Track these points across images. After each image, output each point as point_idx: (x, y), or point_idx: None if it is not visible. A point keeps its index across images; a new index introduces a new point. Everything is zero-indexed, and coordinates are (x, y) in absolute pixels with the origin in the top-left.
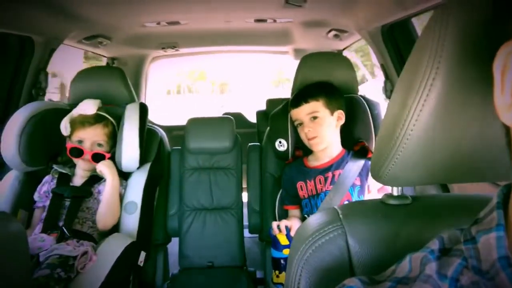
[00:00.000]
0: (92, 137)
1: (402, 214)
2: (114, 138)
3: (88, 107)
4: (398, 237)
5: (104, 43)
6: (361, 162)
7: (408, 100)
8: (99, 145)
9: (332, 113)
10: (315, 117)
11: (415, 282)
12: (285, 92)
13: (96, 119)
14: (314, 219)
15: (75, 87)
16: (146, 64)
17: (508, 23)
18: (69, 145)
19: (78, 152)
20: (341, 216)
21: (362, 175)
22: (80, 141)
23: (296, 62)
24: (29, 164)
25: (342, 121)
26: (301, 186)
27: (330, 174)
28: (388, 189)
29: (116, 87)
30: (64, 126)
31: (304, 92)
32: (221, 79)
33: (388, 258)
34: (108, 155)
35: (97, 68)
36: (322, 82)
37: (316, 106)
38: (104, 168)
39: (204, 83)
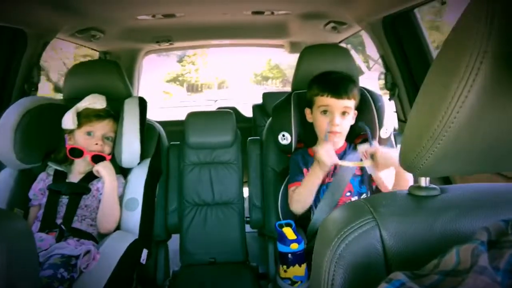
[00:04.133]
0: (103, 129)
1: (433, 206)
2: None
3: (98, 101)
4: (432, 230)
5: (97, 36)
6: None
7: (451, 86)
8: (107, 138)
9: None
10: (344, 113)
11: (469, 274)
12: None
13: (108, 113)
14: (340, 213)
15: (69, 81)
16: (140, 58)
17: None
18: (68, 146)
19: (78, 153)
20: (371, 208)
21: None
22: (89, 133)
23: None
24: (24, 161)
25: (353, 121)
26: (306, 173)
27: (332, 167)
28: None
29: (112, 81)
30: (72, 120)
31: (345, 84)
32: (221, 76)
33: (423, 251)
34: (109, 157)
35: (92, 62)
36: (352, 76)
37: (352, 103)
38: (102, 169)
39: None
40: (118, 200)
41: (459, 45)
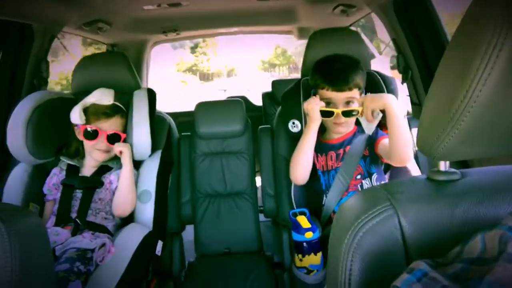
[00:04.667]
0: (110, 127)
1: (454, 191)
2: (125, 129)
3: (105, 97)
4: (453, 216)
5: (104, 28)
6: (365, 135)
7: (473, 63)
8: None
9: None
10: (349, 102)
11: (498, 262)
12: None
13: (115, 110)
14: (357, 200)
15: (77, 75)
16: (147, 49)
17: None
18: (82, 127)
19: (93, 134)
20: (389, 195)
21: (370, 144)
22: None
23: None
24: (37, 156)
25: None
26: (314, 156)
27: (341, 151)
28: None
29: (120, 73)
30: (78, 115)
31: (346, 75)
32: (230, 64)
33: (445, 239)
34: (124, 135)
35: (99, 55)
36: (358, 62)
37: (355, 94)
38: (126, 149)
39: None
40: (134, 183)
41: (481, 18)
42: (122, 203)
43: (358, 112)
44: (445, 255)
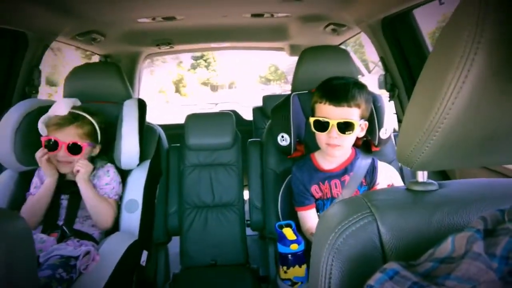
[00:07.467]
0: (66, 138)
1: (431, 201)
2: (95, 137)
3: (60, 107)
4: (429, 224)
5: (98, 39)
6: (368, 161)
7: (447, 77)
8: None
9: (359, 122)
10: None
11: (463, 259)
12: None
13: (69, 120)
14: (339, 207)
15: (69, 84)
16: (140, 61)
17: None
18: (44, 138)
19: (53, 145)
20: (368, 203)
21: (368, 174)
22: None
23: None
24: (24, 163)
25: (363, 133)
26: (315, 190)
27: (346, 178)
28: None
29: (112, 83)
30: (40, 128)
31: (347, 89)
32: (231, 78)
33: (421, 245)
34: (85, 145)
35: (92, 65)
36: (364, 86)
37: (354, 113)
38: (82, 170)
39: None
40: (101, 197)
41: (454, 36)
42: (96, 218)
43: (354, 127)
44: (419, 258)
